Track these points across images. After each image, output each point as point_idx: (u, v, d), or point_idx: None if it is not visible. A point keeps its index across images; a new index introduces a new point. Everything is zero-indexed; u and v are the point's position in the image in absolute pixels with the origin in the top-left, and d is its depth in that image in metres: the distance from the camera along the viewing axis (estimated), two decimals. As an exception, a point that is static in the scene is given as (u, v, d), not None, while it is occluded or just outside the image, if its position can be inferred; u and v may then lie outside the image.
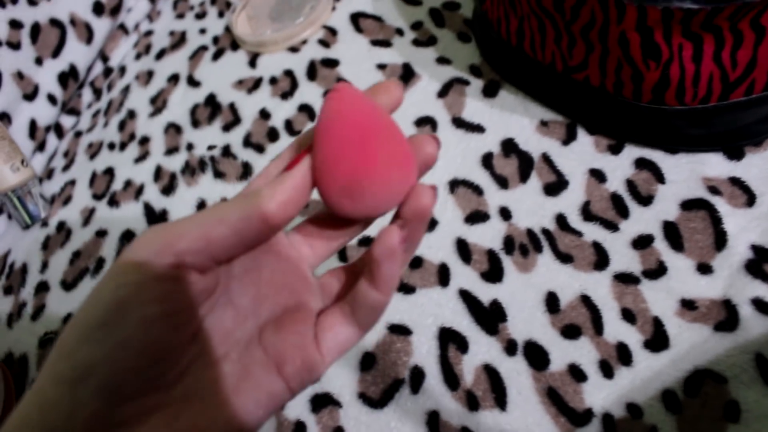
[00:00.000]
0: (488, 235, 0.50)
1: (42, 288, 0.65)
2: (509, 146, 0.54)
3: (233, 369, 0.30)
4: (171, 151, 0.69)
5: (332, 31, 0.69)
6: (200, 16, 0.82)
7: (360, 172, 0.28)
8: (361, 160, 0.28)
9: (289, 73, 0.68)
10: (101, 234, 0.66)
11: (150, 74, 0.78)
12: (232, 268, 0.30)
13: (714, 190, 0.46)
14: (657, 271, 0.45)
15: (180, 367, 0.28)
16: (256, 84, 0.69)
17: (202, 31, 0.78)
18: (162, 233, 0.27)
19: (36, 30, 0.75)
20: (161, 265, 0.26)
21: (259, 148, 0.63)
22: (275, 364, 0.30)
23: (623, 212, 0.48)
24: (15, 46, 0.73)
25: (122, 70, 0.82)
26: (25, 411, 0.27)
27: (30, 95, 0.74)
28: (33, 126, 0.75)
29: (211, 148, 0.66)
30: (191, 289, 0.28)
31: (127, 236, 0.64)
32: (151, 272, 0.26)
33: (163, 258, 0.26)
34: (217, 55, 0.74)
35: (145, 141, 0.71)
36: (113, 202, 0.68)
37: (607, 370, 0.43)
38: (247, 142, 0.65)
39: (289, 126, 0.64)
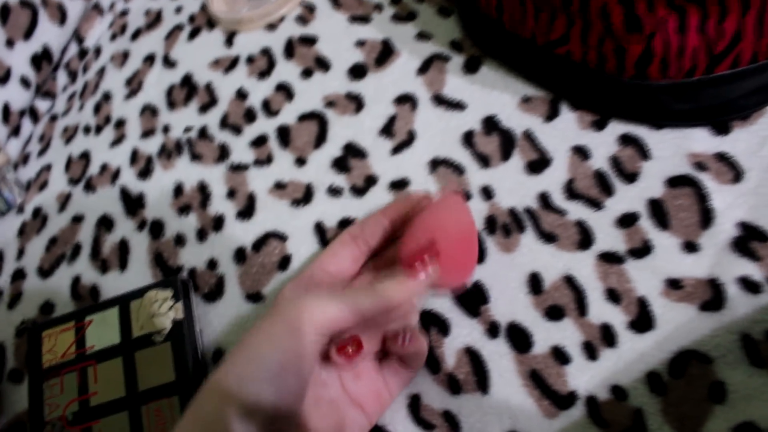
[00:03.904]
0: (470, 215, 0.49)
1: (18, 276, 0.64)
2: (491, 123, 0.53)
3: (330, 406, 0.40)
4: (147, 133, 0.67)
5: (310, 8, 0.67)
6: (176, -6, 0.80)
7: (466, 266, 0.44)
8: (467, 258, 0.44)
9: (266, 52, 0.66)
10: (78, 219, 0.64)
11: (125, 55, 0.76)
12: None
13: (700, 166, 0.45)
14: (642, 249, 0.44)
15: (306, 402, 0.38)
16: (233, 63, 0.67)
17: (178, 9, 0.76)
18: (316, 310, 0.36)
19: (6, 11, 0.72)
20: (318, 336, 0.36)
21: (236, 129, 0.62)
22: (358, 405, 0.41)
23: (607, 190, 0.47)
24: (-17, 27, 0.71)
25: (97, 51, 0.80)
26: None
27: (2, 79, 0.72)
28: (6, 110, 0.73)
29: (187, 130, 0.65)
30: (321, 349, 0.37)
31: (104, 221, 0.62)
32: (305, 341, 0.35)
33: (314, 332, 0.35)
34: (193, 34, 0.73)
35: (120, 124, 0.70)
36: (89, 187, 0.66)
37: (591, 351, 0.42)
38: (224, 123, 0.63)
39: (267, 106, 0.62)
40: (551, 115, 0.51)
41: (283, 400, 0.34)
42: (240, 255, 0.54)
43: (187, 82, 0.69)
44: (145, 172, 0.64)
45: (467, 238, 0.45)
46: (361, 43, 0.62)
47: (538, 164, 0.50)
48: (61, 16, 0.77)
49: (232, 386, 0.34)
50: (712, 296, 0.41)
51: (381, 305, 0.38)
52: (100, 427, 0.49)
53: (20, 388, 0.56)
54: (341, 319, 0.37)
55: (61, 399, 0.51)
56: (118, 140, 0.68)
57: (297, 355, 0.35)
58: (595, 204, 0.47)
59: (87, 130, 0.72)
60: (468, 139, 0.53)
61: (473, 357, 0.44)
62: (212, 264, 0.55)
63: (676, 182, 0.45)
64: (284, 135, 0.59)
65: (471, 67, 0.56)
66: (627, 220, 0.45)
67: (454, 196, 0.46)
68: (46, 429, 0.50)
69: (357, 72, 0.60)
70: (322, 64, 0.62)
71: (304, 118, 0.60)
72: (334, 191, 0.54)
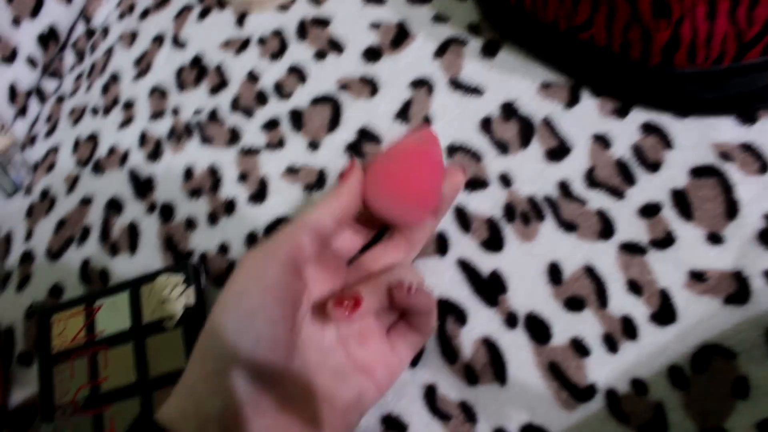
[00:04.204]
0: (488, 203, 0.48)
1: (27, 258, 0.63)
2: (509, 109, 0.52)
3: (333, 374, 0.38)
4: (156, 115, 0.66)
5: (323, -12, 0.66)
6: (185, -28, 0.78)
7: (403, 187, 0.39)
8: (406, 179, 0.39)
9: (278, 33, 0.65)
10: (86, 202, 0.64)
11: (134, 35, 0.75)
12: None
13: (725, 156, 0.44)
14: (665, 240, 0.43)
15: (299, 364, 0.37)
16: (244, 44, 0.66)
17: (188, -12, 0.75)
18: (268, 252, 0.35)
19: (12, -12, 0.71)
20: (273, 275, 0.34)
21: (248, 112, 0.61)
22: (366, 371, 0.39)
23: (629, 179, 0.46)
24: (-10, 5, 0.70)
25: (105, 30, 0.79)
26: (181, 404, 0.34)
27: (8, 58, 0.71)
28: (13, 91, 0.72)
29: (197, 112, 0.64)
30: (295, 293, 0.36)
31: (113, 204, 0.62)
32: (268, 283, 0.34)
33: (274, 270, 0.35)
34: (203, 14, 0.71)
35: (129, 105, 0.69)
36: (98, 169, 0.66)
37: (611, 344, 0.42)
38: (235, 105, 0.62)
39: (279, 88, 0.61)
40: (572, 101, 0.50)
41: (262, 350, 0.34)
42: (252, 240, 0.54)
43: (197, 63, 0.67)
44: (154, 155, 0.63)
45: (430, 174, 0.41)
46: (376, 25, 0.61)
47: (558, 152, 0.49)
48: (69, -6, 0.76)
49: (209, 339, 0.34)
50: (736, 289, 0.40)
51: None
52: (112, 412, 0.49)
53: (30, 370, 0.56)
54: (289, 246, 0.36)
55: (72, 384, 0.51)
56: (126, 122, 0.68)
57: (266, 294, 0.34)
58: (617, 193, 0.46)
59: (95, 111, 0.71)
60: (486, 125, 0.52)
61: (491, 347, 0.44)
62: (224, 248, 0.55)
63: (700, 172, 0.45)
64: (297, 118, 0.58)
65: (489, 51, 0.55)
66: (650, 210, 0.45)
67: (427, 132, 0.42)
68: (57, 413, 0.50)
69: (372, 54, 0.59)
70: (336, 46, 0.61)
71: (318, 101, 0.59)
72: (348, 176, 0.54)
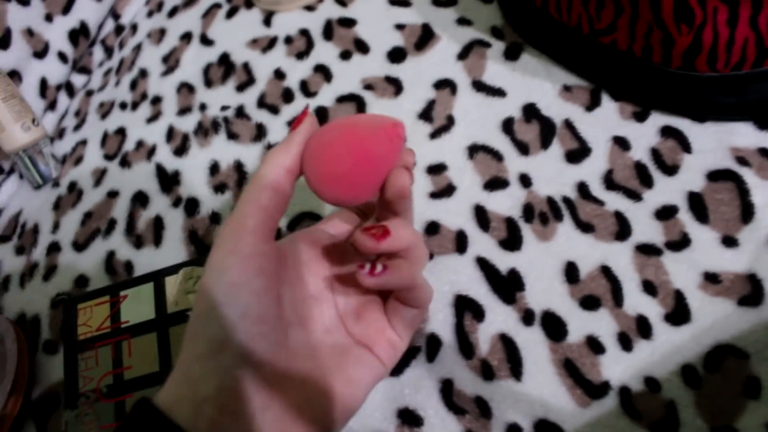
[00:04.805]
0: (507, 203, 0.49)
1: (53, 248, 0.64)
2: (530, 111, 0.52)
3: (334, 348, 0.38)
4: (183, 111, 0.67)
5: (349, -10, 0.68)
6: (213, -28, 0.80)
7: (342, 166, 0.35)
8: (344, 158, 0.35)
9: (304, 33, 0.66)
10: (113, 195, 0.65)
11: (162, 32, 0.76)
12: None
13: (742, 160, 0.45)
14: (680, 242, 0.44)
15: (294, 342, 0.36)
16: (271, 43, 0.67)
17: (216, -12, 0.76)
18: (238, 224, 0.34)
19: (46, -15, 0.73)
20: (248, 246, 0.33)
21: (274, 109, 0.62)
22: (366, 346, 0.38)
23: (647, 182, 0.47)
24: (24, 2, 0.71)
25: (134, 27, 0.81)
26: (176, 389, 0.33)
27: (40, 53, 0.73)
28: (44, 84, 0.74)
29: (224, 108, 0.65)
30: (273, 260, 0.35)
31: (139, 197, 0.63)
32: (244, 254, 0.33)
33: (247, 241, 0.33)
34: (230, 13, 0.73)
35: (157, 101, 0.70)
36: (125, 163, 0.67)
37: (625, 342, 0.42)
38: (262, 102, 0.63)
39: (305, 87, 0.62)
40: (592, 104, 0.51)
41: (249, 324, 0.32)
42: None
43: (225, 60, 0.69)
44: (181, 150, 0.64)
45: (369, 155, 0.36)
46: (400, 27, 0.62)
47: (578, 153, 0.49)
48: (99, -8, 0.78)
49: (198, 320, 0.34)
50: (750, 291, 0.41)
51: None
52: (134, 400, 0.50)
53: (54, 359, 0.57)
54: (255, 214, 0.34)
55: (96, 372, 0.52)
56: (154, 117, 0.69)
57: (244, 267, 0.33)
58: (634, 195, 0.46)
59: (123, 106, 0.72)
60: (507, 126, 0.53)
61: (507, 344, 0.45)
62: (247, 242, 0.55)
63: (717, 176, 0.45)
64: (322, 116, 0.60)
65: (512, 54, 0.56)
66: (666, 213, 0.45)
67: (391, 122, 0.36)
68: (80, 401, 0.51)
69: (396, 55, 0.60)
70: (361, 47, 0.62)
71: (342, 99, 0.60)
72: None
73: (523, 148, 0.51)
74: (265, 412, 0.33)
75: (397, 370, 0.46)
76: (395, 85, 0.58)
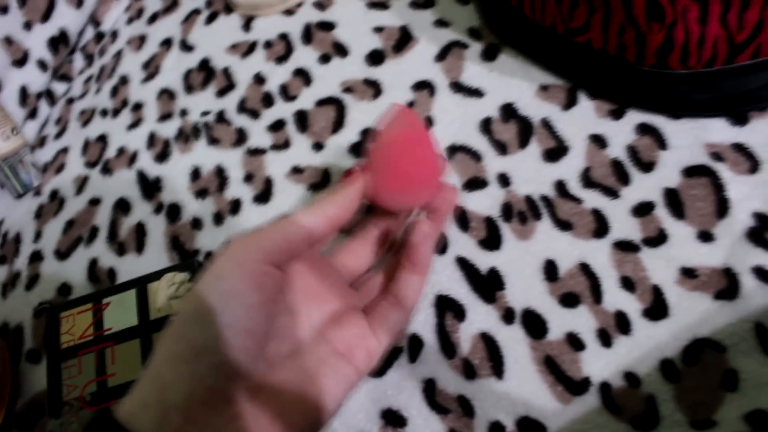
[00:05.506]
0: (486, 202, 0.50)
1: (36, 257, 0.64)
2: (508, 111, 0.53)
3: (311, 360, 0.37)
4: (164, 117, 0.67)
5: (328, -6, 0.68)
6: (193, -22, 0.80)
7: (407, 182, 0.40)
8: (409, 174, 0.40)
9: (284, 37, 0.66)
10: (95, 202, 0.65)
11: (142, 39, 0.76)
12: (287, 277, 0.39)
13: (717, 156, 0.45)
14: (657, 238, 0.44)
15: (272, 354, 0.36)
16: (251, 48, 0.67)
17: (195, -6, 0.76)
18: (253, 239, 0.35)
19: (25, -7, 0.73)
20: (255, 261, 0.34)
21: (254, 114, 0.62)
22: (344, 354, 0.38)
23: (624, 179, 0.47)
24: (2, 10, 0.71)
25: (114, 34, 0.81)
26: (142, 394, 0.32)
27: (20, 61, 0.73)
28: (24, 93, 0.74)
29: (205, 113, 0.65)
30: (275, 283, 0.35)
31: (121, 204, 0.63)
32: (248, 268, 0.33)
33: (256, 256, 0.34)
34: (210, 19, 0.73)
35: (138, 107, 0.70)
36: (106, 170, 0.67)
37: (605, 338, 0.43)
38: (242, 107, 0.63)
39: (285, 91, 0.62)
40: (569, 103, 0.51)
41: (235, 335, 0.32)
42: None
43: (205, 66, 0.69)
44: (162, 156, 0.64)
45: (424, 151, 0.42)
46: (379, 29, 0.62)
47: (556, 152, 0.50)
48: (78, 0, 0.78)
49: (182, 323, 0.33)
50: (726, 285, 0.41)
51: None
52: (119, 406, 0.50)
53: (38, 368, 0.57)
54: (279, 240, 0.35)
55: (79, 380, 0.52)
56: (135, 123, 0.69)
57: (244, 279, 0.33)
58: (612, 192, 0.47)
59: (104, 113, 0.72)
60: (486, 126, 0.53)
61: (488, 342, 0.45)
62: (229, 247, 0.56)
63: (692, 172, 0.46)
64: (302, 119, 0.60)
65: (489, 55, 0.56)
66: (643, 209, 0.46)
67: (403, 111, 0.42)
68: (64, 409, 0.51)
69: (375, 58, 0.60)
70: (341, 50, 0.63)
71: (322, 103, 0.60)
72: (351, 176, 0.55)
73: (502, 148, 0.51)
74: (235, 423, 0.32)
75: (380, 371, 0.46)
76: (375, 88, 0.58)
